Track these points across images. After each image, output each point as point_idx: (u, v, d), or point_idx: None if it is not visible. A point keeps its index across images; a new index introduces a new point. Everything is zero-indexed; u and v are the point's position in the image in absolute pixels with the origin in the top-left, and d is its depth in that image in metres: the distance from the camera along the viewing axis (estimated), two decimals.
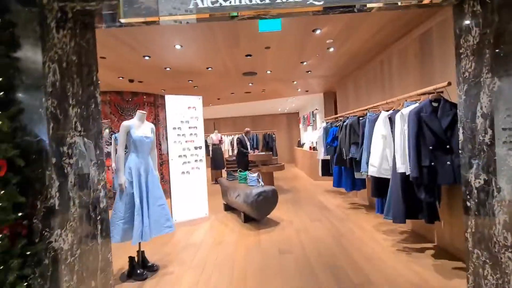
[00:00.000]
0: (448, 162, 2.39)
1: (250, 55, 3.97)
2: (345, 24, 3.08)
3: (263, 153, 7.04)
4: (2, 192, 1.43)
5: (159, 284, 2.59)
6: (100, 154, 2.16)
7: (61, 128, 1.74)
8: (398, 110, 2.97)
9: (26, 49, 1.61)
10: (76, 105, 1.91)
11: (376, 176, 3.17)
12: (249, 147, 7.00)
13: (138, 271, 2.72)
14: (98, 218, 2.08)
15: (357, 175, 4.34)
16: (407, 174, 2.68)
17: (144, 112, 2.89)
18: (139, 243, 2.77)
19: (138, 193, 2.68)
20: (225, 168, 8.96)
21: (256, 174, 4.38)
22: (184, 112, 4.58)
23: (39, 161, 1.61)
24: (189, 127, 4.64)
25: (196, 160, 4.70)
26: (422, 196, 2.59)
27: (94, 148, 2.09)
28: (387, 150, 3.08)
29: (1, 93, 1.47)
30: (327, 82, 6.38)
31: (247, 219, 4.29)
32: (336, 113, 7.22)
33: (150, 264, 2.88)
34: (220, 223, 4.44)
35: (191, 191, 4.63)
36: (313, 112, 9.00)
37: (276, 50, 3.80)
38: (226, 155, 10.73)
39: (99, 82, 2.23)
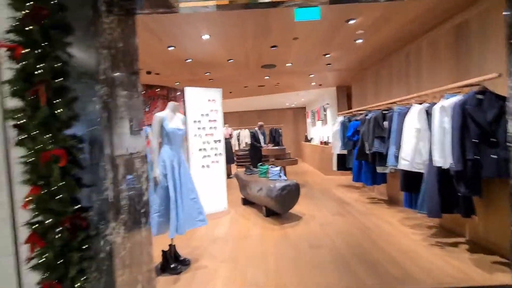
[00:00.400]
0: (493, 155, 2.34)
1: (275, 46, 3.89)
2: (380, 14, 3.00)
3: (277, 147, 6.98)
4: (61, 183, 1.38)
5: (195, 278, 2.56)
6: (142, 146, 2.10)
7: (113, 117, 1.67)
8: (434, 103, 2.92)
9: (78, 34, 1.53)
10: (123, 94, 1.84)
11: (408, 170, 3.13)
12: (262, 141, 6.94)
13: (172, 265, 2.68)
14: (142, 211, 2.03)
15: (379, 169, 4.30)
16: (444, 168, 2.65)
17: (177, 103, 2.83)
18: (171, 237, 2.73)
19: (172, 186, 2.62)
20: (234, 163, 8.91)
21: (278, 168, 4.34)
22: (204, 105, 4.50)
23: (94, 152, 1.55)
24: (209, 120, 4.57)
25: (215, 154, 4.64)
26: (462, 190, 2.54)
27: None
28: (421, 144, 3.03)
29: (60, 79, 1.40)
30: (343, 76, 6.31)
31: (269, 213, 4.26)
32: (349, 108, 7.15)
33: (182, 258, 2.84)
34: (241, 217, 4.40)
35: (211, 185, 4.58)
36: (323, 106, 8.93)
37: (303, 41, 3.72)
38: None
39: (140, 71, 2.16)
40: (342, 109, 7.43)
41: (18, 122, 1.35)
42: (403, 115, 3.36)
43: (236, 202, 5.17)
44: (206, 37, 3.41)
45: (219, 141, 4.68)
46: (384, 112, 4.12)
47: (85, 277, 1.45)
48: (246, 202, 5.03)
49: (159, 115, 2.67)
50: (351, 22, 3.14)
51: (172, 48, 3.75)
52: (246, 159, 9.07)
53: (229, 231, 3.77)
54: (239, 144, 12.43)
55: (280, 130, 12.32)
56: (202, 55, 4.15)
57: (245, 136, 12.77)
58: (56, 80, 1.39)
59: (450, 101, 2.57)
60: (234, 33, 3.35)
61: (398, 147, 3.37)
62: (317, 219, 4.09)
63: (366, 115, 4.49)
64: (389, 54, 4.60)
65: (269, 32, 3.39)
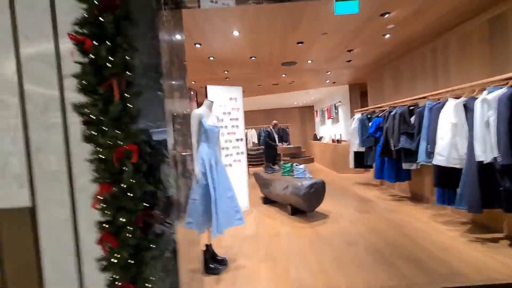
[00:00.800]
0: None
1: (301, 43, 3.84)
2: (416, 8, 2.95)
3: (292, 146, 6.94)
4: (133, 180, 1.32)
5: (237, 278, 2.51)
6: (189, 144, 2.06)
7: (172, 113, 1.63)
8: (473, 97, 2.88)
9: (141, 26, 1.48)
10: (176, 89, 1.80)
11: (444, 165, 3.08)
12: (277, 139, 6.90)
13: (212, 266, 2.63)
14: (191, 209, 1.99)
15: (405, 166, 4.26)
16: (485, 162, 2.60)
17: (212, 100, 2.78)
18: (208, 237, 2.69)
19: (212, 184, 2.57)
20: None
21: (302, 166, 4.29)
22: (226, 103, 4.45)
23: (159, 148, 1.50)
24: (231, 119, 4.52)
25: (237, 153, 4.59)
26: (507, 185, 2.50)
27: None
28: (458, 139, 2.99)
29: (129, 73, 1.34)
30: (358, 73, 6.26)
31: (294, 211, 4.21)
32: (363, 105, 7.11)
33: (220, 258, 2.79)
34: (264, 216, 4.35)
35: (233, 184, 4.51)
36: (335, 104, 8.89)
37: (331, 36, 3.67)
38: None
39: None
40: (355, 107, 7.39)
41: (89, 117, 1.30)
42: (436, 110, 3.32)
43: (256, 201, 5.12)
44: (236, 33, 3.36)
45: (241, 139, 4.63)
46: (410, 107, 4.09)
47: (154, 278, 1.40)
48: (267, 201, 4.98)
49: (197, 112, 2.62)
50: (386, 16, 3.10)
51: (199, 45, 3.70)
52: (257, 158, 9.02)
53: (258, 230, 3.72)
54: (246, 144, 12.38)
55: (287, 129, 12.30)
56: (226, 52, 4.10)
57: (252, 135, 12.71)
58: (126, 74, 1.34)
59: (494, 94, 2.52)
60: (265, 28, 3.30)
61: (431, 143, 3.32)
62: (345, 216, 4.05)
63: (390, 112, 4.45)
64: (412, 49, 4.55)
65: (298, 27, 3.34)
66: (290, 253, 2.92)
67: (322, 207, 4.43)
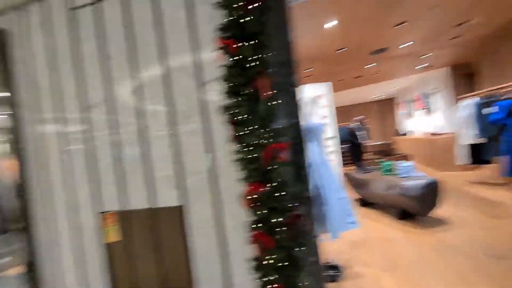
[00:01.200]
0: None
1: (400, 24, 3.40)
2: None
3: (380, 142, 6.30)
4: (282, 179, 1.29)
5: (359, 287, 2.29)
6: None
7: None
8: None
9: (274, 22, 1.45)
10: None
11: None
12: (361, 137, 6.37)
13: (330, 273, 2.48)
14: None
15: None
16: None
17: (314, 96, 2.66)
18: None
19: (323, 184, 2.44)
20: None
21: (410, 163, 3.79)
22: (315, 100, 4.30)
23: (297, 146, 1.44)
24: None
25: (329, 152, 4.37)
26: None
27: None
28: None
29: (271, 71, 1.33)
30: (462, 51, 5.26)
31: (403, 215, 3.73)
32: (471, 90, 5.94)
33: (333, 264, 2.62)
34: (367, 219, 3.98)
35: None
36: (427, 93, 7.74)
37: (442, 9, 3.13)
38: None
39: None
40: (458, 93, 6.24)
41: (237, 118, 1.32)
42: None
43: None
44: (328, 25, 3.19)
45: (332, 137, 4.39)
46: None
47: (307, 282, 1.33)
48: (364, 203, 4.58)
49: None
50: None
51: None
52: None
53: (366, 235, 3.40)
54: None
55: (366, 126, 11.34)
56: (313, 48, 3.96)
57: None
58: (269, 72, 1.33)
59: None
60: (361, 13, 3.02)
61: None
62: (471, 222, 3.37)
63: None
64: None
65: (401, 6, 2.94)
66: (415, 262, 2.55)
67: (435, 211, 3.82)
